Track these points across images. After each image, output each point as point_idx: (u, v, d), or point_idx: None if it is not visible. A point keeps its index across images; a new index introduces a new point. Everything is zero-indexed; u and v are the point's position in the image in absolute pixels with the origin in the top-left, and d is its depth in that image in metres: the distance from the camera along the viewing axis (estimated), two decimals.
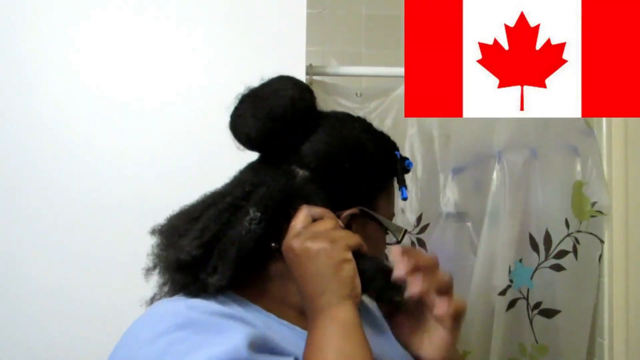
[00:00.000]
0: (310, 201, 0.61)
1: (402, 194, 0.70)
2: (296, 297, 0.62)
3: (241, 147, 0.65)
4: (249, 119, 0.62)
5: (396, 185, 0.71)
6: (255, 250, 0.59)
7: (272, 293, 0.63)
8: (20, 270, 1.14)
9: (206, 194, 0.68)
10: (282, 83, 0.64)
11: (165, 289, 0.64)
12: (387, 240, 0.70)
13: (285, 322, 0.62)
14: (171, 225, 0.65)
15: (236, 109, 0.65)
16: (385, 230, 0.68)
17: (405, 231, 0.70)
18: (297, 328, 0.62)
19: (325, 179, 0.63)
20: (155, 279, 0.65)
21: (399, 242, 0.67)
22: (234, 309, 0.57)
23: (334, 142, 0.65)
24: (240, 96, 0.66)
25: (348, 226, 0.63)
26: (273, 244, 0.61)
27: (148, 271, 0.64)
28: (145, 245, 0.67)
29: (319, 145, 0.64)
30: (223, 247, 0.58)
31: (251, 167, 0.67)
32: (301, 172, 0.63)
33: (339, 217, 0.63)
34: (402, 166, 0.70)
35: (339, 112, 0.71)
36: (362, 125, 0.70)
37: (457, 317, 0.58)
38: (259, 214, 0.59)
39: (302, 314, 0.63)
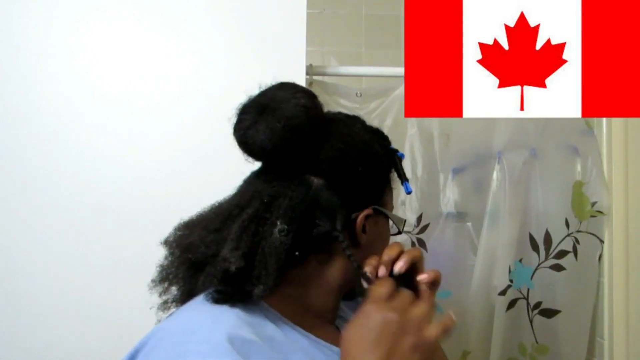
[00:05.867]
0: (328, 209, 0.62)
1: (407, 189, 0.71)
2: (316, 300, 0.65)
3: (250, 158, 0.64)
4: (263, 131, 0.61)
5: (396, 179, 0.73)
6: (285, 260, 0.60)
7: (291, 298, 0.64)
8: (20, 270, 1.14)
9: (216, 205, 0.68)
10: (289, 91, 0.63)
11: (177, 296, 0.65)
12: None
13: (300, 329, 0.62)
14: (189, 236, 0.64)
15: (241, 120, 0.63)
16: (388, 221, 0.70)
17: (405, 221, 0.73)
18: (311, 336, 0.63)
19: (340, 184, 0.64)
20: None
21: (400, 232, 0.72)
22: (261, 330, 0.57)
23: (346, 147, 0.65)
24: (242, 106, 0.64)
25: (363, 227, 0.65)
26: (297, 253, 0.61)
27: (160, 282, 0.65)
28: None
29: (332, 153, 0.64)
30: (262, 258, 0.59)
31: (260, 177, 0.66)
32: (316, 181, 0.63)
33: (355, 219, 0.64)
34: (399, 159, 0.72)
35: (340, 114, 0.72)
36: (362, 124, 0.71)
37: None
38: (285, 226, 0.60)
39: (318, 318, 0.65)
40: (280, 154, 0.62)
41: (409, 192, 0.71)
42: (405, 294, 0.58)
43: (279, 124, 0.60)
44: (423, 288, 0.62)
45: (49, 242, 1.15)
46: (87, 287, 1.14)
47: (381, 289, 0.58)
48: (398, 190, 0.74)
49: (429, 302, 0.59)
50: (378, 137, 0.71)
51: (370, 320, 0.55)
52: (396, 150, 0.72)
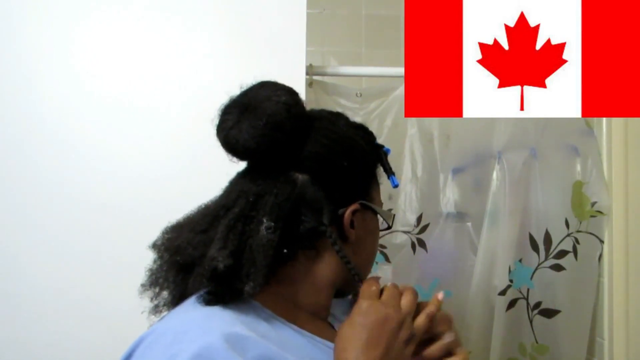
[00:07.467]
0: (314, 205, 0.63)
1: (393, 182, 0.71)
2: (307, 297, 0.65)
3: (234, 159, 0.64)
4: (245, 131, 0.61)
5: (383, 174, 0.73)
6: (274, 257, 0.60)
7: (283, 296, 0.64)
8: (20, 270, 1.14)
9: (202, 206, 0.68)
10: (271, 89, 0.63)
11: (168, 300, 0.65)
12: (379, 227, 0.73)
13: (294, 326, 0.62)
14: (176, 238, 0.64)
15: (224, 120, 0.63)
16: (377, 216, 0.71)
17: (394, 216, 0.72)
18: (306, 332, 0.63)
19: (325, 180, 0.64)
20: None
21: (389, 227, 0.72)
22: (255, 328, 0.57)
23: (330, 143, 0.66)
24: (223, 107, 0.65)
25: (351, 222, 0.65)
26: (285, 250, 0.61)
27: (150, 286, 0.64)
28: (146, 246, 0.67)
29: (316, 149, 0.64)
30: (250, 255, 0.59)
31: (246, 177, 0.66)
32: (301, 177, 0.63)
33: (342, 215, 0.64)
34: (384, 153, 0.72)
35: (323, 111, 0.72)
36: (345, 120, 0.71)
37: None
38: (272, 224, 0.60)
39: (311, 315, 0.65)
40: (264, 152, 0.62)
41: (395, 186, 0.71)
42: (391, 287, 0.61)
43: (261, 122, 0.60)
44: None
45: (48, 242, 1.15)
46: (87, 287, 1.14)
47: (372, 287, 0.61)
48: (385, 185, 0.73)
49: (412, 290, 0.62)
50: (362, 133, 0.71)
51: (369, 319, 0.57)
52: (381, 146, 0.72)
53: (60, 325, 1.13)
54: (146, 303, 0.65)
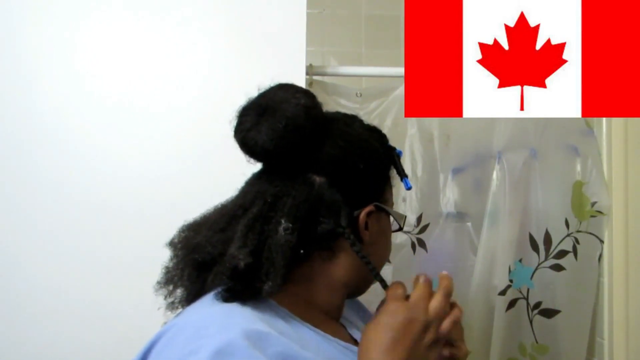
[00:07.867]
0: (331, 207, 0.63)
1: (406, 185, 0.72)
2: (321, 297, 0.66)
3: (251, 160, 0.65)
4: (265, 132, 0.61)
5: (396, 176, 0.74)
6: (291, 258, 0.61)
7: (298, 295, 0.65)
8: (20, 270, 1.14)
9: (219, 206, 0.68)
10: (289, 91, 0.64)
11: (183, 297, 0.65)
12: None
13: (309, 325, 0.63)
14: (194, 237, 0.65)
15: (242, 122, 0.64)
16: (390, 217, 0.71)
17: (406, 217, 0.75)
18: (320, 332, 0.63)
19: (342, 182, 0.65)
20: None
21: (401, 229, 0.73)
22: (273, 325, 0.58)
23: (347, 145, 0.66)
24: (242, 108, 0.65)
25: (365, 224, 0.66)
26: (302, 251, 0.62)
27: (165, 284, 0.65)
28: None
29: (333, 151, 0.65)
30: (269, 255, 0.59)
31: (262, 178, 0.67)
32: (318, 179, 0.64)
33: (357, 216, 0.65)
34: (397, 156, 0.73)
35: (338, 114, 0.72)
36: (360, 123, 0.72)
37: None
38: (290, 225, 0.60)
39: (324, 315, 0.67)
40: (282, 154, 0.63)
41: (408, 188, 0.72)
42: (423, 287, 0.61)
43: (281, 125, 0.61)
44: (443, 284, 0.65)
45: (49, 242, 1.15)
46: (87, 287, 1.14)
47: (398, 290, 0.60)
48: (398, 187, 0.74)
49: (443, 293, 0.61)
50: (376, 135, 0.72)
51: (395, 320, 0.57)
52: (394, 148, 0.73)
53: (60, 325, 1.13)
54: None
